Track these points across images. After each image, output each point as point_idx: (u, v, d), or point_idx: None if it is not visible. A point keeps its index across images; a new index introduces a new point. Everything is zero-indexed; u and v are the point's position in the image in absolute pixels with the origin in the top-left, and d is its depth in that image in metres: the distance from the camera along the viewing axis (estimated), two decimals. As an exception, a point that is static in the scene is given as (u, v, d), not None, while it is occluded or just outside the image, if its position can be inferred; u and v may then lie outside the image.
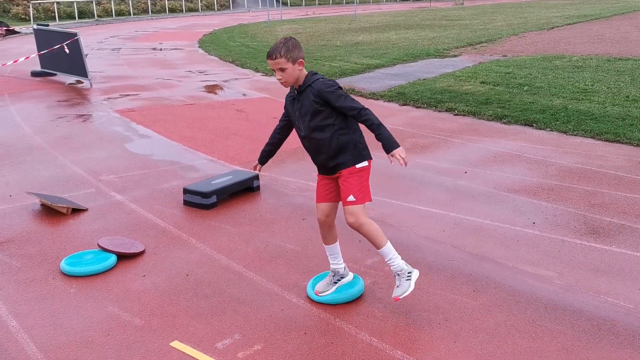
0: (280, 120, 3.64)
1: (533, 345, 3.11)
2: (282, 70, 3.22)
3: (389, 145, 3.20)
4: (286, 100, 3.48)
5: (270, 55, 3.22)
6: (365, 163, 3.36)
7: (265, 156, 3.77)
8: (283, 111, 3.57)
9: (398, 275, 3.36)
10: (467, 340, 3.17)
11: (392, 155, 3.19)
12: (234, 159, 6.55)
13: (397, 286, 3.34)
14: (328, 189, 3.46)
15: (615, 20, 25.28)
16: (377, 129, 3.20)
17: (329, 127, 3.28)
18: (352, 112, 3.23)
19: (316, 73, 3.34)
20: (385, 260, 3.38)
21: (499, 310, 3.46)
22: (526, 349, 3.07)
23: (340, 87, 3.28)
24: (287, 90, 3.49)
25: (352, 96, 3.34)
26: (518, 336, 3.19)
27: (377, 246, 3.34)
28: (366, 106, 3.30)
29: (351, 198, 3.27)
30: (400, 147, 3.21)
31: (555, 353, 3.04)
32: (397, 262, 3.35)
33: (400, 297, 3.32)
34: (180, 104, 9.86)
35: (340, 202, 3.49)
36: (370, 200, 3.38)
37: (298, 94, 3.33)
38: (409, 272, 3.36)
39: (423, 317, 3.39)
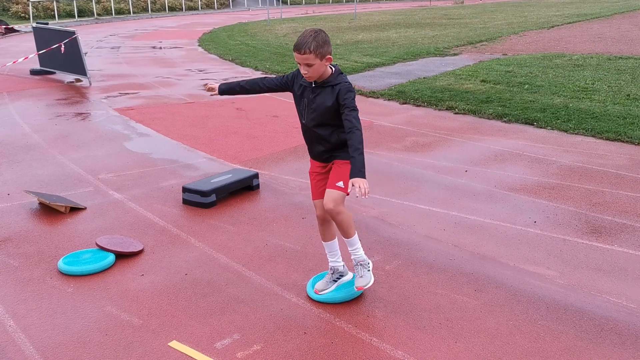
0: (272, 81, 3.49)
1: (535, 345, 3.08)
2: (309, 65, 3.10)
3: (354, 172, 2.99)
4: (296, 78, 3.36)
5: (298, 49, 3.08)
6: None
7: (229, 92, 3.59)
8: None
9: (361, 265, 3.44)
10: (469, 340, 3.14)
11: (352, 184, 2.95)
12: (234, 158, 6.52)
13: (361, 276, 3.44)
14: (323, 184, 3.43)
15: (616, 19, 25.25)
16: (355, 152, 3.04)
17: (332, 125, 3.26)
18: (347, 124, 3.13)
19: (342, 73, 3.26)
20: (350, 249, 3.44)
21: (501, 310, 3.43)
22: (528, 349, 3.05)
23: (353, 100, 3.19)
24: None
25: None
26: (520, 336, 3.17)
27: (347, 235, 3.37)
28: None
29: (340, 184, 3.24)
30: (364, 180, 2.96)
31: (557, 353, 3.01)
32: (361, 252, 3.46)
33: (365, 288, 3.43)
34: (180, 102, 9.83)
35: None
36: (348, 194, 3.33)
37: (315, 87, 3.24)
38: (368, 263, 3.47)
39: (424, 316, 3.37)
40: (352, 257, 3.47)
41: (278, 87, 3.50)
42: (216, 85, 3.63)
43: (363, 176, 2.99)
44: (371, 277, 3.46)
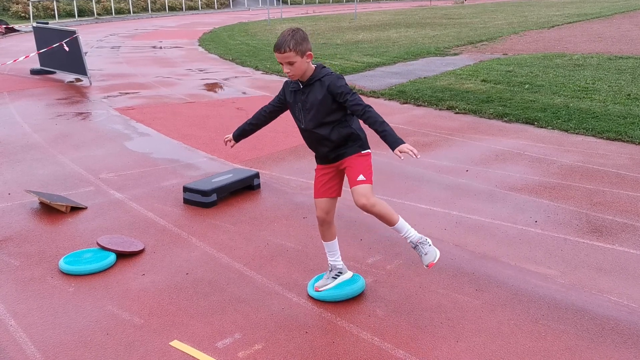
0: (270, 104, 3.53)
1: (536, 344, 3.08)
2: (290, 63, 3.13)
3: (395, 141, 3.06)
4: (285, 89, 3.40)
5: (278, 48, 3.12)
6: (368, 150, 3.36)
7: (243, 134, 3.67)
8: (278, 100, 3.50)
9: (420, 244, 3.32)
10: (470, 339, 3.14)
11: (400, 151, 3.03)
12: (234, 157, 6.52)
13: (425, 254, 3.31)
14: (327, 183, 3.41)
15: (616, 19, 25.24)
16: (381, 126, 3.10)
17: (331, 123, 3.25)
18: (357, 108, 3.15)
19: (325, 67, 3.28)
20: (402, 235, 3.34)
21: (502, 309, 3.43)
22: (529, 349, 3.05)
23: (346, 83, 3.22)
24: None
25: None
26: (521, 335, 3.17)
27: (391, 223, 3.28)
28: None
29: (361, 177, 3.21)
30: (407, 144, 3.06)
31: (558, 352, 3.01)
32: (413, 233, 3.34)
33: (435, 262, 3.31)
34: (180, 102, 9.83)
35: (339, 198, 3.47)
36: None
37: (304, 87, 3.25)
38: (426, 239, 3.36)
39: (425, 316, 3.36)
40: (408, 242, 3.36)
41: (277, 106, 3.52)
42: (230, 139, 3.70)
43: (403, 141, 3.05)
44: (436, 251, 3.33)
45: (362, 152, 3.32)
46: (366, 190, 3.19)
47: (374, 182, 3.29)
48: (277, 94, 3.54)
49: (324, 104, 3.20)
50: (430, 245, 3.34)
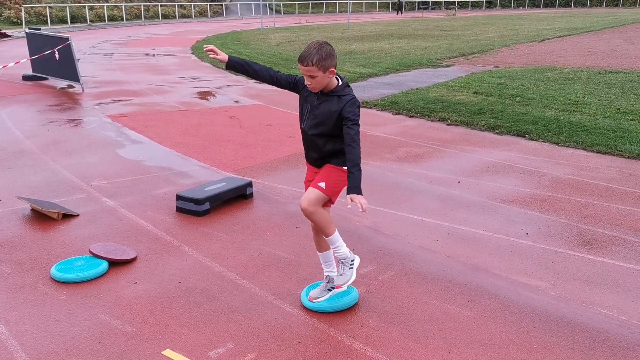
0: (283, 76, 3.44)
1: (527, 357, 3.10)
2: (311, 77, 3.16)
3: (354, 188, 3.02)
4: (305, 85, 3.33)
5: (301, 61, 3.14)
6: None
7: (237, 66, 3.43)
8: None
9: (342, 262, 3.44)
10: (462, 351, 3.15)
11: (351, 199, 2.98)
12: (227, 166, 6.52)
13: (341, 274, 3.45)
14: None
15: (605, 34, 25.54)
16: (354, 167, 3.07)
17: (329, 135, 3.29)
18: (347, 137, 3.15)
19: (349, 85, 3.31)
20: (332, 247, 3.43)
21: (494, 321, 3.45)
22: (521, 360, 3.07)
23: (358, 115, 3.23)
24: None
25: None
26: (512, 347, 3.18)
27: (327, 234, 3.36)
28: (361, 115, 3.27)
29: (322, 184, 3.25)
30: (362, 196, 2.99)
31: (549, 364, 3.03)
32: (343, 249, 3.44)
33: (343, 286, 3.45)
34: (173, 110, 9.82)
35: (331, 206, 3.49)
36: (333, 203, 3.39)
37: (321, 94, 3.27)
38: (352, 260, 3.47)
39: (418, 327, 3.38)
40: (335, 254, 3.47)
41: (288, 84, 3.47)
42: (224, 56, 3.44)
43: (360, 192, 3.03)
44: (352, 274, 3.44)
45: (344, 167, 3.32)
46: (315, 196, 3.23)
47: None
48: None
49: (332, 118, 3.23)
50: (350, 268, 3.45)
